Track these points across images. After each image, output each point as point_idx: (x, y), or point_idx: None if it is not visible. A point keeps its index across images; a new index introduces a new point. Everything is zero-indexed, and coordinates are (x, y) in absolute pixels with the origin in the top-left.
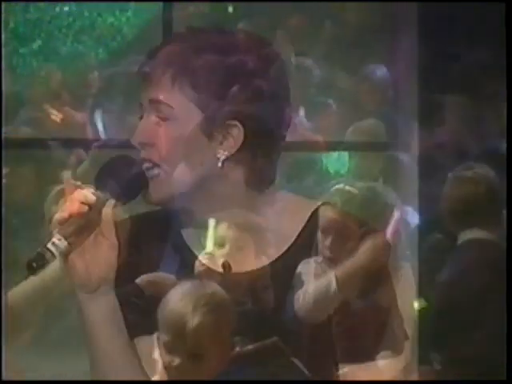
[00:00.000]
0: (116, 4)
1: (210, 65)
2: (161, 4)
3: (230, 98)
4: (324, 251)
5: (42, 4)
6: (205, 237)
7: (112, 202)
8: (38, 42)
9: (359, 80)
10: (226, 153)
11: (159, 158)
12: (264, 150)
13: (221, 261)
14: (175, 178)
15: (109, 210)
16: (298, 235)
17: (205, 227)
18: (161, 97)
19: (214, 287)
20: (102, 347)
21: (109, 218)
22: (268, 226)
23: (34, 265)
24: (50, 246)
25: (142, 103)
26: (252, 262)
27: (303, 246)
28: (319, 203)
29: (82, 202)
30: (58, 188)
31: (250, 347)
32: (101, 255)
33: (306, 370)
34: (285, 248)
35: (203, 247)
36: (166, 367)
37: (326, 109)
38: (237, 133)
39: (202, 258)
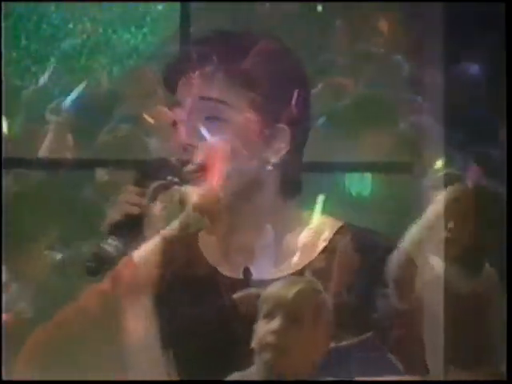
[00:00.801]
0: (131, 21)
1: (264, 67)
2: (178, 21)
3: (283, 101)
4: None
5: (55, 21)
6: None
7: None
8: (52, 61)
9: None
10: (276, 156)
11: (206, 160)
12: (298, 156)
13: (241, 268)
14: (221, 181)
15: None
16: (321, 251)
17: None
18: (214, 94)
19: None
20: None
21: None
22: (293, 239)
23: (92, 265)
24: (104, 245)
25: (179, 103)
26: (272, 271)
27: (321, 263)
28: (341, 224)
29: (132, 203)
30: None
31: (345, 342)
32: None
33: (401, 367)
34: (305, 263)
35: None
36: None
37: None
38: (286, 137)
39: (222, 270)
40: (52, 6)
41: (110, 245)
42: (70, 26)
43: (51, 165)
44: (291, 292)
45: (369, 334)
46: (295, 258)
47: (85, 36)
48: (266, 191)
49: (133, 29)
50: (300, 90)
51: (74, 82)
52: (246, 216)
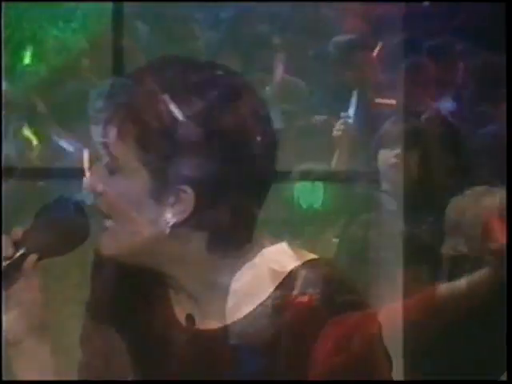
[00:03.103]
0: (59, 14)
1: (162, 120)
2: (110, 13)
3: (180, 161)
4: None
5: None
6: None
7: (34, 257)
8: None
9: None
10: (174, 218)
11: (108, 210)
12: (226, 213)
13: (185, 314)
14: (125, 234)
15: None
16: (268, 297)
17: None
18: (108, 144)
19: None
20: None
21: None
22: (234, 286)
23: None
24: None
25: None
26: (214, 321)
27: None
28: (301, 262)
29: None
30: None
31: None
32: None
33: None
34: (248, 310)
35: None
36: None
37: None
38: (187, 198)
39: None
40: None
41: None
42: None
43: None
44: None
45: None
46: (241, 304)
47: (8, 31)
48: (188, 248)
49: (61, 24)
50: (201, 147)
51: None
52: (170, 264)
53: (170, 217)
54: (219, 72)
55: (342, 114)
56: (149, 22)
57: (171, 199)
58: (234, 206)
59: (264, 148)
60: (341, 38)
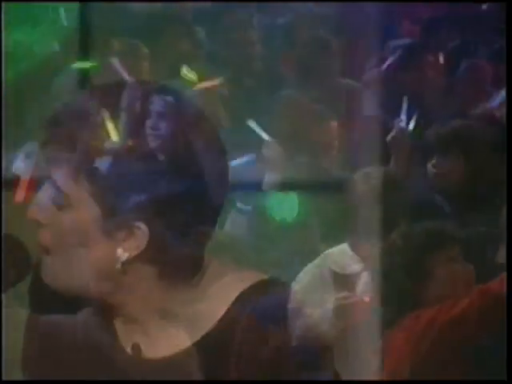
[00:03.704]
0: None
1: (114, 156)
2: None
3: (131, 199)
4: None
5: None
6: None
7: None
8: None
9: None
10: (126, 254)
11: (51, 245)
12: (177, 245)
13: (131, 343)
14: (66, 268)
15: None
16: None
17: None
18: (55, 176)
19: None
20: None
21: None
22: (186, 313)
23: None
24: None
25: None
26: (165, 348)
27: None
28: (250, 283)
29: None
30: None
31: None
32: None
33: None
34: (198, 337)
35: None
36: None
37: None
38: (140, 234)
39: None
40: None
41: None
42: None
43: None
44: None
45: None
46: (189, 331)
47: None
48: (139, 280)
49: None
50: (154, 185)
51: None
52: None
53: (121, 252)
54: (170, 99)
55: (396, 119)
56: (206, 27)
57: (122, 235)
58: (184, 238)
59: (216, 177)
60: (398, 42)
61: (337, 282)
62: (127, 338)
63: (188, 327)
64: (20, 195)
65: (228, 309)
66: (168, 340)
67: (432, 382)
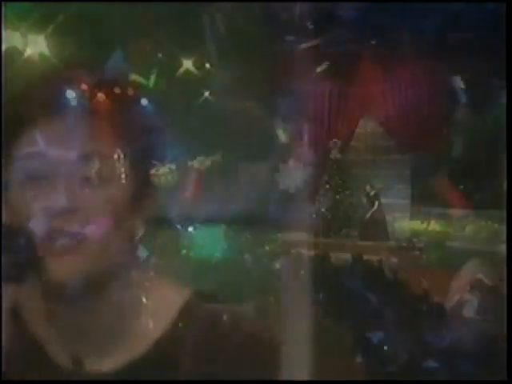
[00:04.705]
0: None
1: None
2: None
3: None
4: None
5: None
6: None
7: None
8: None
9: None
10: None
11: (84, 226)
12: None
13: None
14: (97, 250)
15: None
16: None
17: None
18: (102, 149)
19: None
20: None
21: None
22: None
23: None
24: None
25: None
26: (106, 361)
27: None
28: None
29: None
30: None
31: None
32: None
33: None
34: (140, 351)
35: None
36: None
37: None
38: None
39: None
40: None
41: None
42: None
43: None
44: None
45: None
46: (131, 345)
47: None
48: None
49: None
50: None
51: None
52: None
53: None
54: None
55: None
56: (224, 24)
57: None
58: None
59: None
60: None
61: None
62: (65, 352)
63: (128, 340)
64: None
65: (174, 319)
66: (113, 352)
67: (432, 382)
